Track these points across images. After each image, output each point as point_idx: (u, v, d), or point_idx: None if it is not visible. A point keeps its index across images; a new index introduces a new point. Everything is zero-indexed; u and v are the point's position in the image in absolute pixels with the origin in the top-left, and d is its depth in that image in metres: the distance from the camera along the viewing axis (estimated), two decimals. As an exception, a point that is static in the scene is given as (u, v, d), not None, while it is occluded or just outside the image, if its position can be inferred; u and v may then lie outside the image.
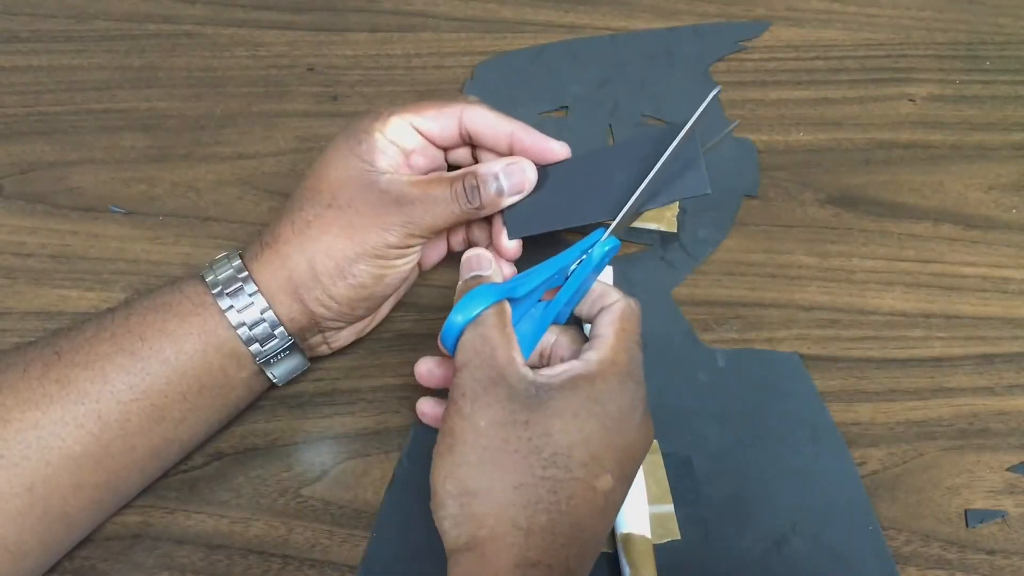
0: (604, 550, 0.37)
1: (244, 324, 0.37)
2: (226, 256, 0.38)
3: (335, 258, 0.37)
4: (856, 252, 0.48)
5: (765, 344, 0.44)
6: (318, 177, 0.38)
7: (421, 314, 0.44)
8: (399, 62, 0.56)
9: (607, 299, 0.36)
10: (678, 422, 0.41)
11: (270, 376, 0.39)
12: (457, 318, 0.33)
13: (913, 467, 0.40)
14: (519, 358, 0.33)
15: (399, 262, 0.39)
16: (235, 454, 0.40)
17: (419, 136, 0.40)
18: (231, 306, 0.36)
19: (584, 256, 0.36)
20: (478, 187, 0.38)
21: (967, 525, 0.39)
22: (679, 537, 0.37)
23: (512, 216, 0.40)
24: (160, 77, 0.55)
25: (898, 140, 0.53)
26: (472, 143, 0.41)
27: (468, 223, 0.43)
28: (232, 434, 0.40)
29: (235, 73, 0.55)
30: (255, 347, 0.37)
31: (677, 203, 0.49)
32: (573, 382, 0.32)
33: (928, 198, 0.51)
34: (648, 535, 0.36)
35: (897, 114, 0.55)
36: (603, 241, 0.36)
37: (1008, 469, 0.40)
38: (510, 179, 0.39)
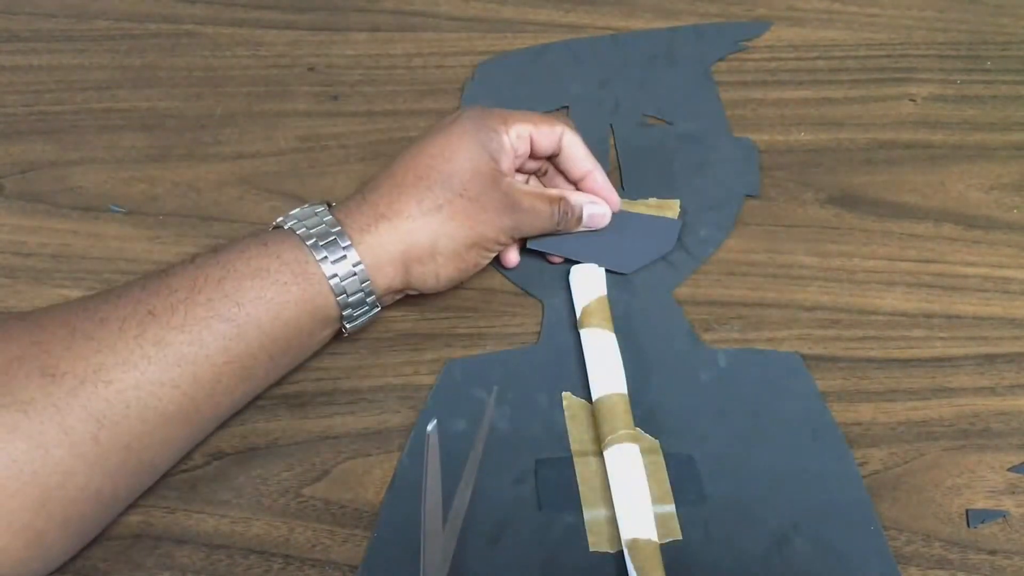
0: (608, 551, 0.37)
1: (344, 293, 0.38)
2: (323, 216, 0.39)
3: (456, 242, 0.41)
4: (857, 252, 0.48)
5: (766, 344, 0.44)
6: (449, 162, 0.41)
7: (422, 314, 0.44)
8: (400, 62, 0.56)
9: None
10: (680, 422, 0.41)
11: (345, 329, 0.41)
12: None
13: (914, 467, 0.40)
14: None
15: (492, 255, 0.44)
16: (235, 454, 0.40)
17: (529, 146, 0.43)
18: (335, 275, 0.38)
19: None
20: (568, 211, 0.44)
21: (968, 525, 0.39)
22: (680, 537, 0.37)
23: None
24: (160, 77, 0.55)
25: (899, 140, 0.53)
26: (551, 159, 0.46)
27: None
28: (232, 434, 0.40)
29: (235, 73, 0.55)
30: (347, 312, 0.39)
31: (678, 202, 0.49)
32: None
33: (929, 198, 0.50)
34: (654, 538, 0.36)
35: (898, 114, 0.55)
36: None
37: (1009, 469, 0.40)
38: (591, 216, 0.45)
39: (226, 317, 0.35)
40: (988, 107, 0.55)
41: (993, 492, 0.40)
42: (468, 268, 0.42)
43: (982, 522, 0.39)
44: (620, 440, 0.38)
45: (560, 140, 0.44)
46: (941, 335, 0.45)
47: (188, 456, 0.39)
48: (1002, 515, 0.39)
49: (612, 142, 0.52)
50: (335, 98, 0.54)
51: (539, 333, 0.44)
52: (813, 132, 0.54)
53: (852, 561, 0.37)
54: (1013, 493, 0.39)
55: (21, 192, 0.49)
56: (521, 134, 0.43)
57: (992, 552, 0.38)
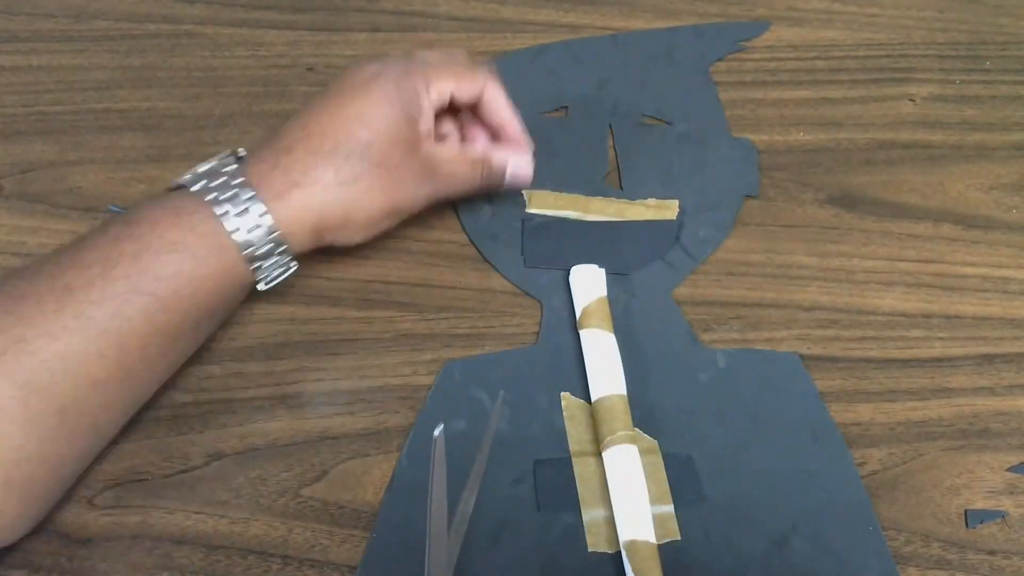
0: (607, 551, 0.37)
1: (260, 260, 0.38)
2: (234, 177, 0.38)
3: (371, 213, 0.40)
4: (856, 252, 0.48)
5: (765, 344, 0.44)
6: (368, 128, 0.39)
7: (422, 314, 0.44)
8: (399, 62, 0.56)
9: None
10: (678, 422, 0.41)
11: (260, 287, 0.40)
12: None
13: (913, 467, 0.40)
14: None
15: (405, 218, 0.43)
16: (235, 454, 0.40)
17: (449, 99, 0.42)
18: (251, 244, 0.37)
19: None
20: (492, 173, 0.44)
21: (967, 525, 0.39)
22: (679, 537, 0.37)
23: (531, 248, 0.47)
24: (160, 77, 0.55)
25: (898, 140, 0.53)
26: (482, 114, 0.44)
27: None
28: (231, 434, 0.40)
29: (235, 73, 0.55)
30: (263, 277, 0.39)
31: (676, 202, 0.49)
32: None
33: (928, 198, 0.50)
34: (652, 539, 0.36)
35: (898, 114, 0.55)
36: None
37: (1008, 469, 0.40)
38: (515, 174, 0.45)
39: (146, 291, 0.35)
40: (987, 107, 0.55)
41: (992, 492, 0.40)
42: (382, 231, 0.42)
43: (981, 522, 0.39)
44: (619, 441, 0.38)
45: (482, 91, 0.43)
46: (940, 335, 0.45)
47: (187, 456, 0.39)
48: (1001, 515, 0.39)
49: (611, 143, 0.52)
50: (334, 98, 0.54)
51: (538, 333, 0.44)
52: (812, 132, 0.54)
53: (851, 561, 0.37)
54: (1012, 493, 0.40)
55: (20, 192, 0.49)
56: (442, 91, 0.42)
57: (991, 552, 0.38)
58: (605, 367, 0.41)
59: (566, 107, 0.54)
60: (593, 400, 0.40)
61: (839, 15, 0.60)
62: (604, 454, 0.38)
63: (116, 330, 0.35)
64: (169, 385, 0.40)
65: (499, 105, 0.44)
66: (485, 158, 0.43)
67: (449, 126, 0.46)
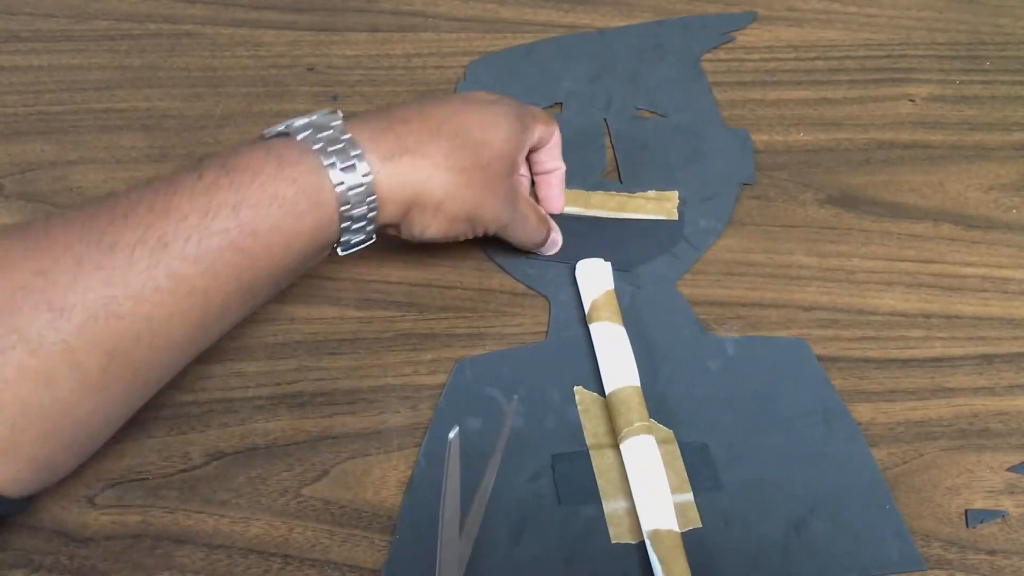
0: (630, 542, 0.37)
1: (351, 221, 0.37)
2: (340, 132, 0.37)
3: (460, 209, 0.40)
4: (856, 252, 0.48)
5: (765, 344, 0.44)
6: (486, 133, 0.41)
7: (422, 314, 0.44)
8: (399, 62, 0.56)
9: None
10: (692, 411, 0.41)
11: (340, 246, 0.39)
12: None
13: (913, 467, 0.40)
14: None
15: (473, 236, 0.43)
16: (235, 454, 0.40)
17: (536, 144, 0.45)
18: (347, 203, 0.36)
19: None
20: (548, 239, 0.46)
21: (967, 525, 0.39)
22: (700, 525, 0.37)
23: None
24: (160, 77, 0.55)
25: (898, 140, 0.53)
26: (532, 162, 0.47)
27: None
28: (232, 434, 0.40)
29: (235, 73, 0.55)
30: (346, 239, 0.38)
31: (676, 193, 0.49)
32: None
33: (928, 198, 0.51)
34: (675, 528, 0.36)
35: (897, 114, 0.55)
36: None
37: (1008, 469, 0.40)
38: (553, 244, 0.47)
39: (240, 247, 0.34)
40: (987, 107, 0.55)
41: (992, 492, 0.40)
42: (452, 236, 0.41)
43: (981, 522, 0.39)
44: (636, 432, 0.38)
45: (551, 137, 0.46)
46: (940, 335, 0.45)
47: (187, 456, 0.39)
48: (1001, 515, 0.39)
49: (608, 138, 0.52)
50: (334, 98, 0.54)
51: (542, 332, 0.44)
52: (812, 132, 0.54)
53: (870, 540, 0.37)
54: (1012, 493, 0.40)
55: (21, 192, 0.49)
56: (539, 133, 0.44)
57: (991, 552, 0.38)
58: (617, 359, 0.41)
59: (560, 103, 0.54)
60: (607, 393, 0.40)
61: (838, 15, 0.61)
62: (622, 446, 0.39)
63: (204, 288, 0.33)
64: (170, 384, 0.40)
65: (555, 152, 0.46)
66: (550, 223, 0.46)
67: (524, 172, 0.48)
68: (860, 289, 0.46)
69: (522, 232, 0.44)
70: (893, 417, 0.42)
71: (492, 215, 0.41)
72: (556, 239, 0.46)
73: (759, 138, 0.53)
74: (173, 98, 0.54)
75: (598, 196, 0.49)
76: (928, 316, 0.45)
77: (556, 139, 0.46)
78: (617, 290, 0.44)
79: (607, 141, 0.52)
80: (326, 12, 0.59)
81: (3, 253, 0.31)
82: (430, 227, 0.40)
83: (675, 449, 0.40)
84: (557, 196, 0.48)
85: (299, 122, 0.37)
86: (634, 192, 0.49)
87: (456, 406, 0.41)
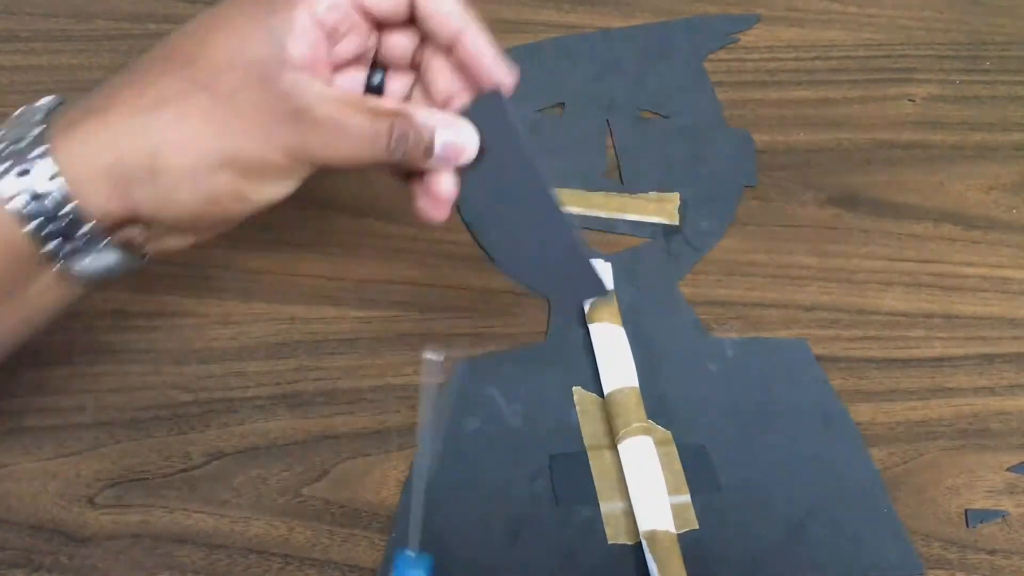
0: (627, 542, 0.37)
1: (38, 216, 0.27)
2: (35, 114, 0.28)
3: (190, 156, 0.28)
4: (856, 252, 0.48)
5: (765, 344, 0.44)
6: (199, 41, 0.29)
7: (423, 313, 0.44)
8: (399, 62, 0.56)
9: None
10: (690, 412, 0.41)
11: (74, 274, 0.29)
12: None
13: (913, 467, 0.40)
14: None
15: (272, 187, 0.30)
16: (235, 454, 0.40)
17: (354, 12, 0.31)
18: (18, 192, 0.27)
19: None
20: (409, 135, 0.30)
21: (967, 525, 0.39)
22: (697, 527, 0.37)
23: (470, 188, 0.33)
24: (160, 77, 0.55)
25: (898, 140, 0.53)
26: (417, 27, 0.32)
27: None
28: (232, 434, 0.40)
29: (235, 73, 0.55)
30: (53, 246, 0.28)
31: (677, 195, 0.49)
32: None
33: (928, 198, 0.51)
34: (671, 529, 0.36)
35: (897, 114, 0.55)
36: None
37: (1008, 469, 0.40)
38: (447, 146, 0.31)
39: None
40: (988, 107, 0.55)
41: (992, 492, 0.40)
42: (220, 199, 0.30)
43: (981, 522, 0.39)
44: (634, 433, 0.38)
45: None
46: (940, 335, 0.45)
47: (187, 456, 0.39)
48: (1001, 515, 0.39)
49: (610, 139, 0.52)
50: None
51: (542, 332, 0.44)
52: (812, 132, 0.54)
53: (868, 543, 0.37)
54: (1012, 493, 0.40)
55: (21, 192, 0.48)
56: (337, 3, 0.30)
57: (991, 552, 0.38)
58: (616, 360, 0.41)
59: (562, 104, 0.54)
60: (606, 393, 0.40)
61: (839, 15, 0.60)
62: (620, 447, 0.39)
63: None
64: (170, 384, 0.40)
65: (441, 7, 0.31)
66: (401, 112, 0.30)
67: (397, 79, 0.34)
68: (861, 289, 0.46)
69: (346, 149, 0.30)
70: (893, 417, 0.42)
71: (258, 144, 0.29)
72: (450, 139, 0.31)
73: (759, 138, 0.53)
74: (173, 98, 0.53)
75: (598, 197, 0.49)
76: (928, 316, 0.45)
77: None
78: (617, 292, 0.44)
79: (609, 141, 0.52)
80: (326, 12, 0.59)
81: None
82: (173, 198, 0.29)
83: (673, 450, 0.40)
84: (484, 63, 0.32)
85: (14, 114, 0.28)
86: (635, 193, 0.49)
87: (454, 406, 0.41)
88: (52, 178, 0.27)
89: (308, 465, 0.39)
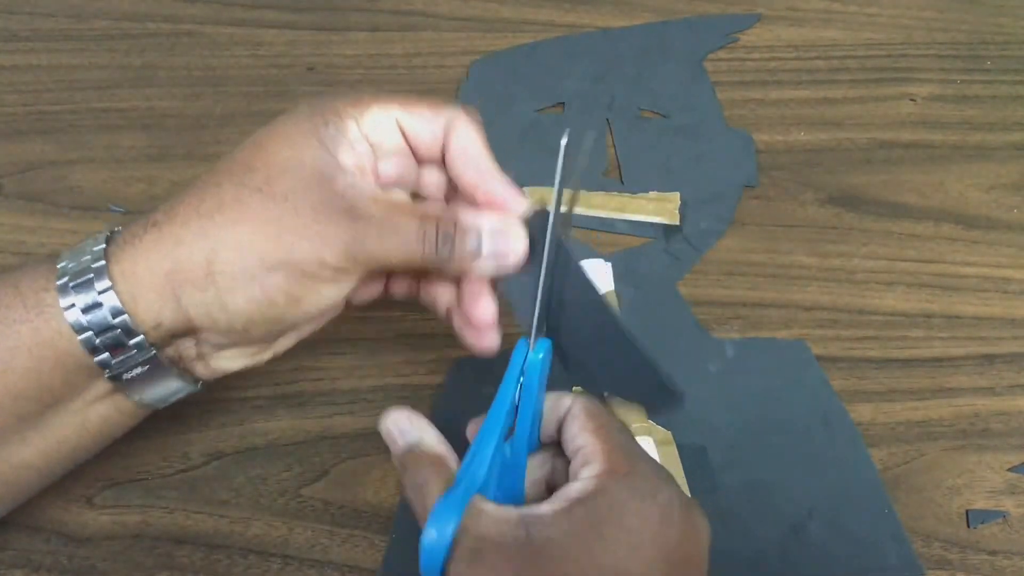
0: None
1: (90, 329, 0.28)
2: (99, 237, 0.30)
3: (245, 258, 0.28)
4: (857, 252, 0.48)
5: (766, 344, 0.44)
6: (257, 149, 0.30)
7: (422, 314, 0.44)
8: (399, 61, 0.56)
9: (560, 408, 0.31)
10: (691, 413, 0.41)
11: (131, 398, 0.31)
12: (433, 536, 0.27)
13: (914, 467, 0.40)
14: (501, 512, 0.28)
15: (327, 289, 0.30)
16: (235, 454, 0.39)
17: (401, 138, 0.32)
18: (72, 304, 0.28)
19: (522, 378, 0.31)
20: (454, 237, 0.30)
21: (968, 525, 0.39)
22: None
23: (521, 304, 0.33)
24: (160, 76, 0.55)
25: (899, 140, 0.53)
26: (448, 167, 0.33)
27: (420, 273, 0.35)
28: (232, 434, 0.40)
29: (235, 73, 0.55)
30: (104, 357, 0.29)
31: (678, 195, 0.49)
32: (569, 509, 0.27)
33: (929, 198, 0.50)
34: None
35: (898, 114, 0.55)
36: (533, 351, 0.31)
37: (1009, 469, 0.40)
38: (495, 244, 0.31)
39: None
40: (988, 107, 0.55)
41: (993, 492, 0.39)
42: (276, 301, 0.29)
43: (982, 522, 0.39)
44: (634, 433, 0.38)
45: (446, 131, 0.32)
46: (941, 335, 0.45)
47: (187, 456, 0.39)
48: (1002, 515, 0.39)
49: (610, 139, 0.52)
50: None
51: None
52: (813, 132, 0.54)
53: (868, 544, 0.37)
54: (1013, 493, 0.39)
55: (20, 192, 0.48)
56: (381, 121, 0.31)
57: (992, 552, 0.38)
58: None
59: (562, 104, 0.54)
60: (606, 394, 0.40)
61: (839, 15, 0.60)
62: None
63: None
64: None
65: (471, 151, 0.32)
66: (444, 217, 0.30)
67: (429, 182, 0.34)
68: (861, 289, 0.46)
69: (394, 247, 0.30)
70: (894, 417, 0.42)
71: (314, 244, 0.29)
72: (499, 245, 0.31)
73: (760, 138, 0.53)
74: (173, 98, 0.53)
75: (598, 196, 0.49)
76: (929, 316, 0.45)
77: (461, 134, 0.32)
78: (617, 292, 0.44)
79: (609, 141, 0.52)
80: (326, 11, 0.59)
81: None
82: (226, 301, 0.29)
83: (674, 450, 0.40)
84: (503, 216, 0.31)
85: (83, 244, 0.30)
86: (635, 193, 0.49)
87: (453, 406, 0.40)
88: (104, 291, 0.28)
89: (308, 465, 0.39)
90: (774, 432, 0.40)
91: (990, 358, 0.44)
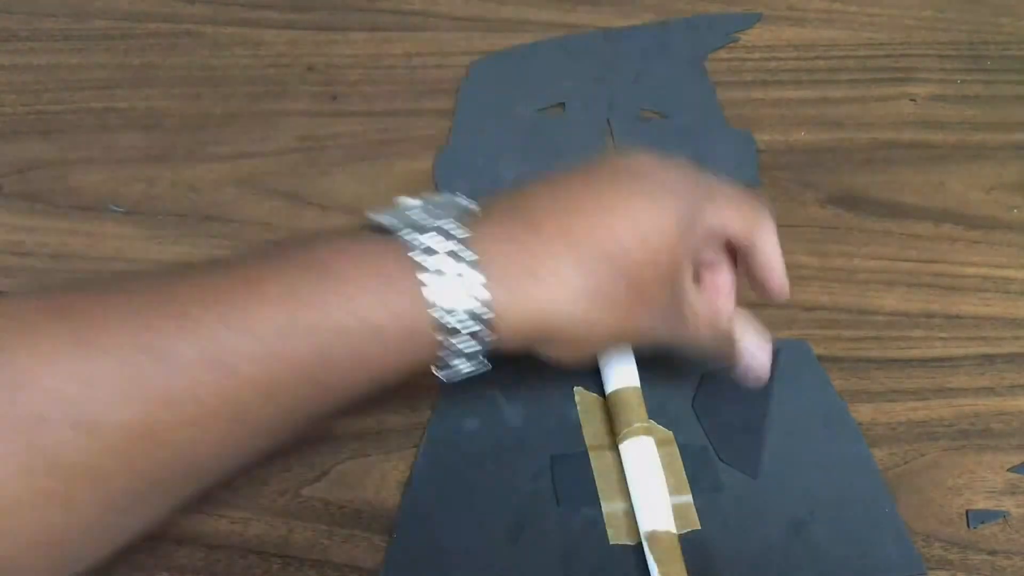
0: (628, 542, 0.37)
1: (456, 361, 0.31)
2: (464, 259, 0.30)
3: (597, 334, 0.32)
4: (857, 252, 0.48)
5: (766, 344, 0.44)
6: (636, 236, 0.31)
7: (421, 314, 0.44)
8: (399, 61, 0.56)
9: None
10: (691, 412, 0.41)
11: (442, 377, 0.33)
12: None
13: (914, 467, 0.40)
14: None
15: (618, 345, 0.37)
16: (235, 454, 0.39)
17: (721, 234, 0.35)
18: (450, 336, 0.30)
19: None
20: (729, 360, 0.38)
21: (968, 526, 0.38)
22: (699, 527, 0.37)
23: None
24: (160, 76, 0.55)
25: (899, 140, 0.53)
26: (750, 264, 0.36)
27: None
28: (232, 434, 0.40)
29: (235, 73, 0.55)
30: (450, 374, 0.32)
31: None
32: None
33: (929, 198, 0.50)
34: (672, 529, 0.36)
35: (898, 114, 0.55)
36: None
37: (1009, 470, 0.40)
38: (747, 372, 0.38)
39: (313, 378, 0.29)
40: (988, 107, 0.55)
41: (993, 492, 0.39)
42: (593, 359, 0.37)
43: (982, 523, 0.39)
44: (635, 433, 0.38)
45: (754, 232, 0.35)
46: (941, 335, 0.45)
47: (187, 456, 0.39)
48: (1002, 515, 0.39)
49: (610, 139, 0.52)
50: (334, 98, 0.54)
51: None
52: (813, 132, 0.54)
53: (869, 543, 0.37)
54: (1013, 493, 0.39)
55: (19, 192, 0.48)
56: (722, 220, 0.34)
57: (992, 553, 0.38)
58: (617, 360, 0.41)
59: (562, 104, 0.54)
60: (607, 393, 0.40)
61: (839, 15, 0.60)
62: (621, 447, 0.39)
63: (262, 417, 0.29)
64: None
65: (770, 255, 0.35)
66: (731, 338, 0.37)
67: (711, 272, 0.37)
68: (861, 289, 0.46)
69: (691, 350, 0.36)
70: (894, 417, 0.42)
71: (641, 332, 0.34)
72: (752, 367, 0.37)
73: (760, 138, 0.53)
74: (173, 98, 0.53)
75: (598, 196, 0.49)
76: (929, 316, 0.45)
77: (764, 239, 0.35)
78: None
79: (609, 141, 0.52)
80: (326, 11, 0.59)
81: (45, 345, 0.26)
82: (561, 354, 0.33)
83: (675, 450, 0.40)
84: (725, 305, 0.37)
85: (412, 209, 0.31)
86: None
87: (453, 406, 0.40)
88: (484, 302, 0.30)
89: (308, 465, 0.39)
90: (775, 431, 0.40)
91: (991, 358, 0.44)
